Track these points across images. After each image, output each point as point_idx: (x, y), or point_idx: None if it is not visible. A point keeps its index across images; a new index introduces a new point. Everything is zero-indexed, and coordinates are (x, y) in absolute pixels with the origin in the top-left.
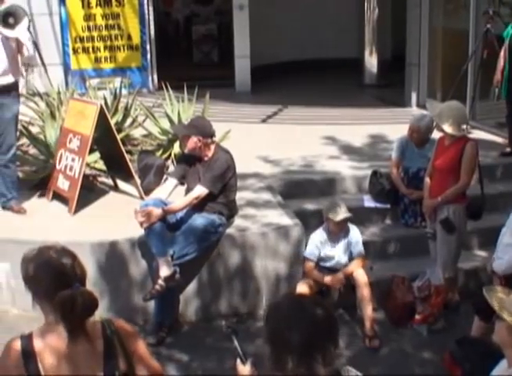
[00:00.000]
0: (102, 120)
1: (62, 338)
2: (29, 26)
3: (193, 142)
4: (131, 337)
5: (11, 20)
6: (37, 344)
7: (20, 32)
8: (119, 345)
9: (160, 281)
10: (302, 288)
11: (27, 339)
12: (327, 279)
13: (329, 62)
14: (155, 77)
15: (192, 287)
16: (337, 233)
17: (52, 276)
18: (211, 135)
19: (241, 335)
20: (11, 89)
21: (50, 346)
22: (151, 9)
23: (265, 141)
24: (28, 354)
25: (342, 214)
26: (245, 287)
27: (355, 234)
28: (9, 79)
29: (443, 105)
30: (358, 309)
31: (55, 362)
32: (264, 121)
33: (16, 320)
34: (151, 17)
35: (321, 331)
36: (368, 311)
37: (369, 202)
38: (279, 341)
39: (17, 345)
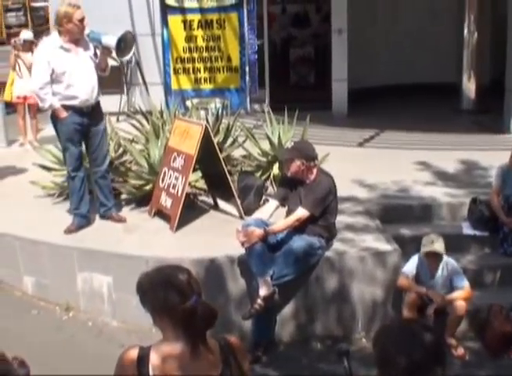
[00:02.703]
0: (206, 140)
1: (179, 353)
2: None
3: (297, 165)
4: (244, 355)
5: (123, 46)
6: (154, 357)
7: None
8: (234, 363)
9: (259, 301)
10: (407, 313)
11: (146, 351)
12: (430, 291)
13: (427, 86)
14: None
15: (288, 307)
16: (430, 264)
17: (170, 292)
18: (314, 158)
19: (336, 357)
20: (99, 104)
21: (166, 361)
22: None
23: (361, 164)
24: (144, 366)
25: (431, 247)
26: (341, 310)
27: (454, 267)
28: (99, 96)
29: None
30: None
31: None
32: (360, 144)
33: (115, 332)
34: (266, 41)
35: (430, 355)
36: (455, 321)
37: (467, 229)
38: (387, 365)
39: (134, 355)
